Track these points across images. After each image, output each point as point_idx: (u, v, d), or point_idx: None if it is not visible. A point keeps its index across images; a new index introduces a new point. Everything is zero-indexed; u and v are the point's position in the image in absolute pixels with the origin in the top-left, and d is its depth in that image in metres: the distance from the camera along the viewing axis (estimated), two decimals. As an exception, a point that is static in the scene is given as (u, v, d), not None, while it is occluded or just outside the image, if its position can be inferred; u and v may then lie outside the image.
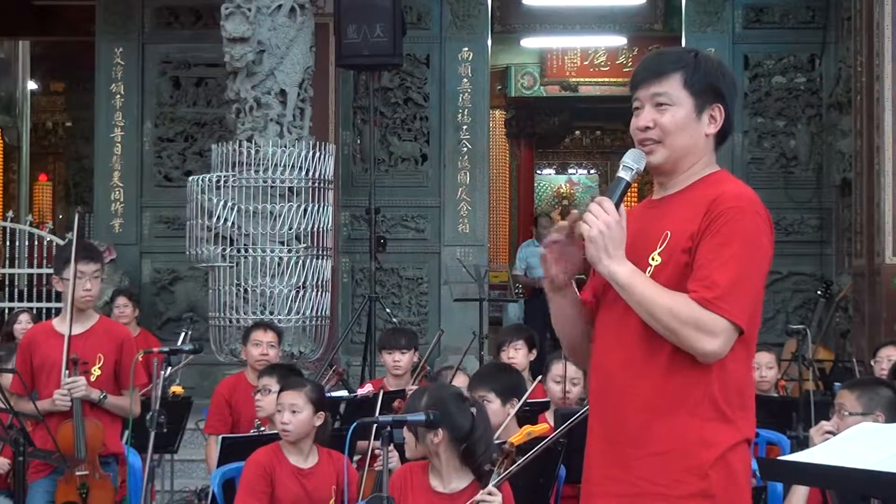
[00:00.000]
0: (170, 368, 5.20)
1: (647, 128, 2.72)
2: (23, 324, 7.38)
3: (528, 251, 11.22)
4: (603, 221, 2.61)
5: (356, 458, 5.07)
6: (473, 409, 3.85)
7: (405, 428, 3.75)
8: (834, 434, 3.97)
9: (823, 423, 4.22)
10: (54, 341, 4.94)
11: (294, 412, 4.45)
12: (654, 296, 2.59)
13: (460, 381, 5.31)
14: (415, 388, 5.72)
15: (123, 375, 5.03)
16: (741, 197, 2.65)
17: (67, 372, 4.84)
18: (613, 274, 2.62)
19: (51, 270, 5.50)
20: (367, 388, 5.57)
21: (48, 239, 10.08)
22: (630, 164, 2.69)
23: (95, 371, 4.95)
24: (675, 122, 2.71)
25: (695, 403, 2.61)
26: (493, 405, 4.52)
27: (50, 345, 4.95)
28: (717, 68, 2.77)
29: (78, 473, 4.84)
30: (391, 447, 3.78)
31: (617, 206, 2.64)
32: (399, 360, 5.92)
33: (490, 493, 3.69)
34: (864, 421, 3.98)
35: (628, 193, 2.73)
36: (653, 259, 2.66)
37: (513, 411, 4.55)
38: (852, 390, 4.24)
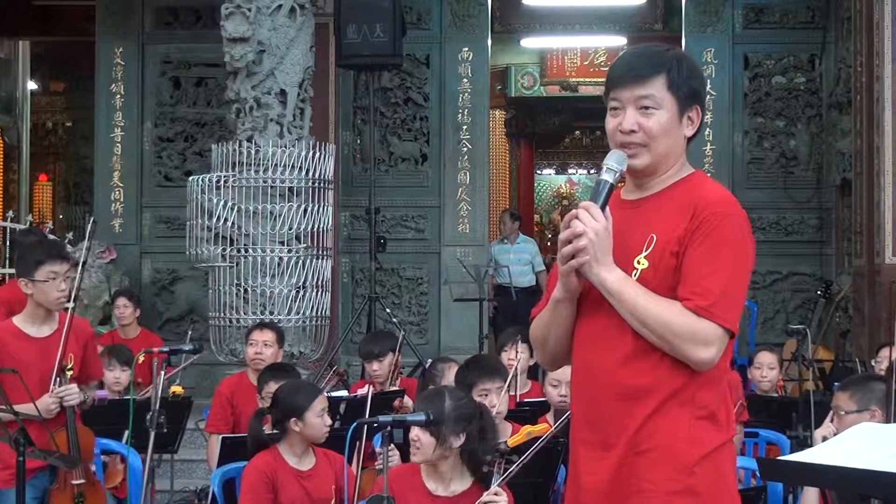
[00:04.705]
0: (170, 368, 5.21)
1: (633, 131, 2.69)
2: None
3: (495, 249, 10.98)
4: (592, 229, 2.59)
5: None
6: (482, 412, 3.87)
7: (420, 430, 3.76)
8: None
9: (823, 430, 4.22)
10: (24, 343, 4.74)
11: None
12: (647, 305, 2.58)
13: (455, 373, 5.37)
14: (394, 388, 5.75)
15: (90, 370, 4.95)
16: (725, 202, 2.66)
17: (58, 380, 4.68)
18: (604, 281, 2.61)
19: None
20: (367, 388, 5.57)
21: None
22: (613, 166, 2.66)
23: (68, 371, 4.81)
24: (661, 126, 2.68)
25: (683, 402, 2.61)
26: (505, 396, 4.62)
27: (19, 347, 4.73)
28: (696, 69, 2.76)
29: (74, 482, 4.74)
30: (391, 447, 3.79)
31: (602, 209, 2.62)
32: (377, 368, 5.93)
33: (496, 493, 3.69)
34: (861, 418, 3.99)
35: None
36: (638, 262, 2.64)
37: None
38: (845, 390, 4.26)
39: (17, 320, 4.84)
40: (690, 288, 2.59)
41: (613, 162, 2.66)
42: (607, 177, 2.65)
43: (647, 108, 2.68)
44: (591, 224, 2.59)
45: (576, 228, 2.60)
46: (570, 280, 2.66)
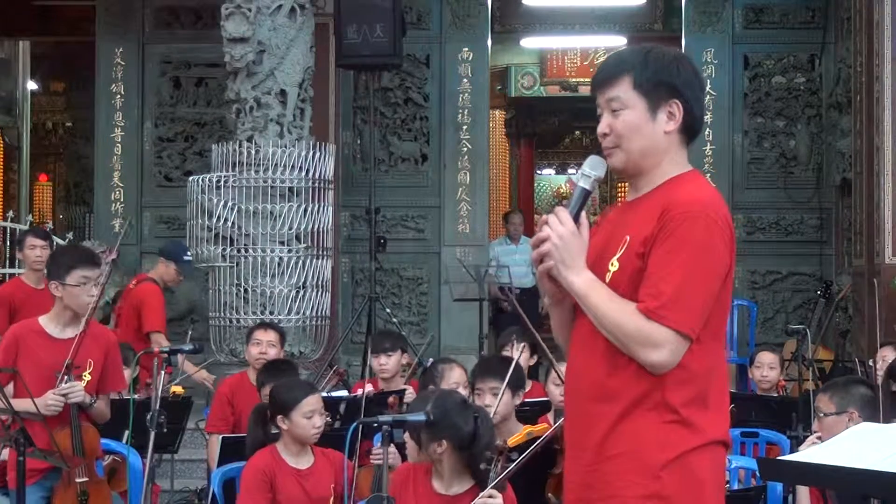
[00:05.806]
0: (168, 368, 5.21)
1: (605, 134, 2.71)
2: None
3: (499, 249, 10.95)
4: (556, 234, 2.63)
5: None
6: (476, 416, 3.86)
7: (406, 434, 3.77)
8: None
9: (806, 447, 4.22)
10: (46, 343, 4.81)
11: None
12: (604, 308, 2.60)
13: (456, 375, 5.35)
14: (406, 387, 5.75)
15: (109, 379, 5.00)
16: (694, 202, 2.61)
17: (65, 377, 4.73)
18: (571, 285, 2.64)
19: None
20: (368, 388, 5.57)
21: (48, 239, 10.06)
22: (588, 171, 2.69)
23: (86, 376, 4.84)
24: (627, 125, 2.69)
25: (651, 406, 2.60)
26: (505, 396, 4.59)
27: (41, 346, 4.81)
28: (670, 63, 2.71)
29: (78, 480, 4.75)
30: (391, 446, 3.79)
31: (577, 214, 2.66)
32: (385, 363, 5.93)
33: (490, 496, 3.69)
34: (840, 420, 4.02)
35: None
36: (612, 265, 2.66)
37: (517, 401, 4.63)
38: (825, 392, 4.29)
39: (43, 320, 4.92)
40: (646, 290, 2.59)
41: (587, 167, 2.70)
42: (582, 182, 2.69)
43: (615, 109, 2.70)
44: (556, 229, 2.63)
45: (542, 234, 2.65)
46: (544, 284, 2.71)
